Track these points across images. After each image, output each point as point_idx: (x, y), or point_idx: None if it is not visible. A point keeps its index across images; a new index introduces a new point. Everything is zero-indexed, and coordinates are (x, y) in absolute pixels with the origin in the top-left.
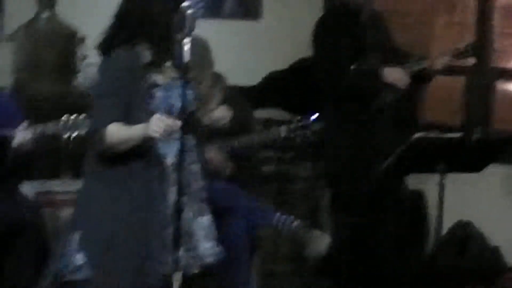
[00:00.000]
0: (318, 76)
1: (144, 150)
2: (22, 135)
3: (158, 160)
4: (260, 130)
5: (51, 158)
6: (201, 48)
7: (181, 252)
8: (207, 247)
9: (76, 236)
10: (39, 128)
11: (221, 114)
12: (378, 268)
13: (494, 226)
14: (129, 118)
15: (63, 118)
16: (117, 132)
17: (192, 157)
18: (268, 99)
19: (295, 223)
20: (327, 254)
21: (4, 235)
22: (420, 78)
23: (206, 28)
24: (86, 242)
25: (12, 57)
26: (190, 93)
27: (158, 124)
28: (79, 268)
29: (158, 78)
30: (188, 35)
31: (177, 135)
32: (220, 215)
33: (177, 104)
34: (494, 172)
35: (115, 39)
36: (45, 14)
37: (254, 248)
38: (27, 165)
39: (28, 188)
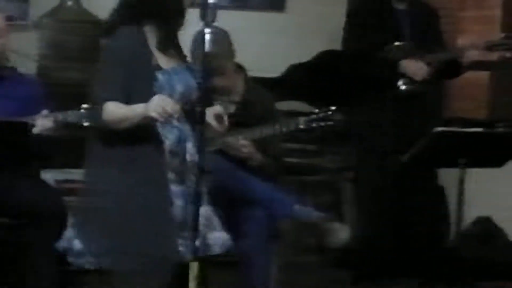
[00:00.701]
0: (343, 63)
1: (144, 133)
2: (43, 122)
3: (158, 145)
4: (283, 122)
5: (73, 147)
6: (221, 39)
7: (179, 240)
8: (210, 238)
9: (74, 220)
10: (60, 115)
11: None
12: (398, 259)
13: None
14: (131, 100)
15: (84, 106)
16: (115, 110)
17: (190, 146)
18: (291, 91)
19: (315, 214)
20: (348, 246)
21: (27, 221)
22: (449, 71)
23: (230, 19)
24: (83, 228)
25: (37, 44)
26: (193, 81)
27: (158, 104)
28: (79, 254)
29: (162, 61)
30: (208, 25)
31: (176, 121)
32: (239, 205)
33: (179, 89)
34: None
35: (122, 19)
36: (69, 3)
37: (274, 239)
38: (48, 152)
39: (49, 176)
